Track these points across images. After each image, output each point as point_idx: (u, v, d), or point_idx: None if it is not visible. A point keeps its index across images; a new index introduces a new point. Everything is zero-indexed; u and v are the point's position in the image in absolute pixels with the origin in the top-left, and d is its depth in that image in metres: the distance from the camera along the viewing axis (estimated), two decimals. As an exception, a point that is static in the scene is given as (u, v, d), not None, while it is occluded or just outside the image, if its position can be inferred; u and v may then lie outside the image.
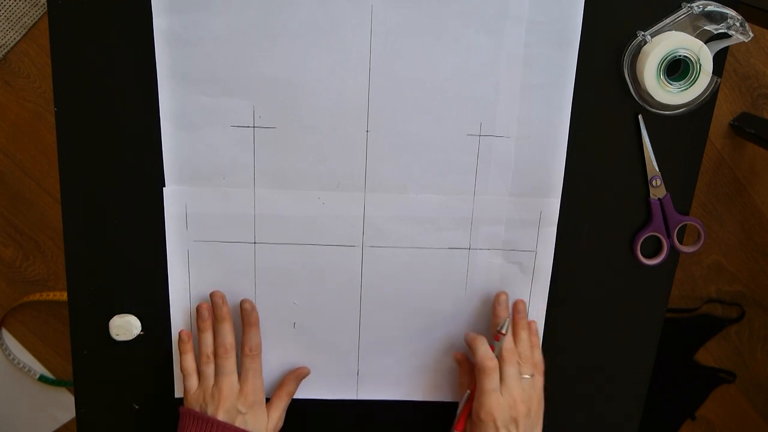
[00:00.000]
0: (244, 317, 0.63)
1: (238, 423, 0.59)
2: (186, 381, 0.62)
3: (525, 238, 0.63)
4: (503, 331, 0.60)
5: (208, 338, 0.62)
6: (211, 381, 0.61)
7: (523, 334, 0.62)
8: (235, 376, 0.61)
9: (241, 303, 0.63)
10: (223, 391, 0.60)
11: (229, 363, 0.61)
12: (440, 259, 0.63)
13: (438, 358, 0.67)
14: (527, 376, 0.60)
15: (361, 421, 0.69)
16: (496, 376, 0.59)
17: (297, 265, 0.63)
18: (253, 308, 0.63)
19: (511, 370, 0.59)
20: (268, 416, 0.62)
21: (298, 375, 0.65)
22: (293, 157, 0.60)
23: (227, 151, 0.60)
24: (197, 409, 0.60)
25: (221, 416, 0.59)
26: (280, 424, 0.63)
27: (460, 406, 0.62)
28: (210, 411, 0.59)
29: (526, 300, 0.65)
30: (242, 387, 0.61)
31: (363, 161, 0.60)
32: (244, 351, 0.62)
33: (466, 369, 0.64)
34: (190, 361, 0.63)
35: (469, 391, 0.61)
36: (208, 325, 0.62)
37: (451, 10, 0.57)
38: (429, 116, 0.59)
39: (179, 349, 0.64)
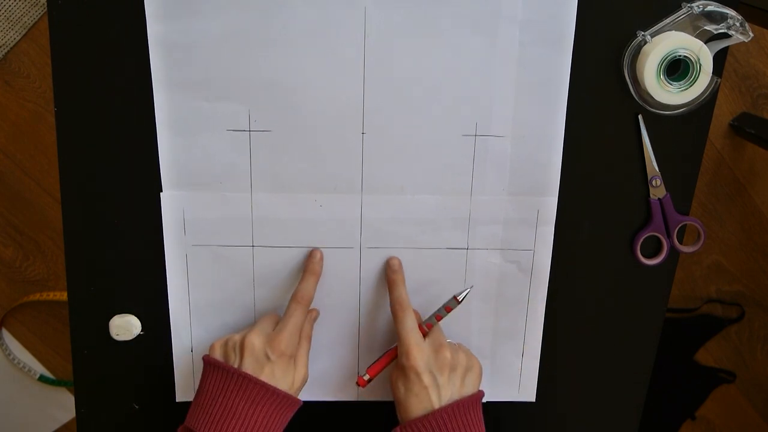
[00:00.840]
0: (307, 264, 0.61)
1: (266, 373, 0.55)
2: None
3: (523, 237, 0.63)
4: (459, 299, 0.60)
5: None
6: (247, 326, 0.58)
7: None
8: (271, 326, 0.58)
9: (311, 251, 0.61)
10: (252, 334, 0.56)
11: (288, 310, 0.58)
12: (438, 259, 0.63)
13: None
14: (450, 341, 0.59)
15: (361, 422, 0.69)
16: (411, 314, 0.58)
17: (296, 268, 0.63)
18: (321, 259, 0.61)
19: (435, 328, 0.59)
20: (295, 370, 0.57)
21: (311, 318, 0.62)
22: (290, 160, 0.60)
23: (223, 156, 0.60)
24: (220, 353, 0.57)
25: (247, 363, 0.55)
26: (306, 376, 0.59)
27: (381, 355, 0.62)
28: (236, 360, 0.56)
29: (525, 299, 0.65)
30: (276, 335, 0.56)
31: (359, 163, 0.60)
32: (293, 296, 0.59)
33: None
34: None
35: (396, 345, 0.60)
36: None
37: (445, 10, 0.57)
38: (424, 117, 0.59)
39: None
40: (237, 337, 0.57)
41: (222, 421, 0.53)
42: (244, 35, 0.57)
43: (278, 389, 0.55)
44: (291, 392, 0.57)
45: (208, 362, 0.57)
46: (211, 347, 0.59)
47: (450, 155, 0.60)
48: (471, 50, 0.58)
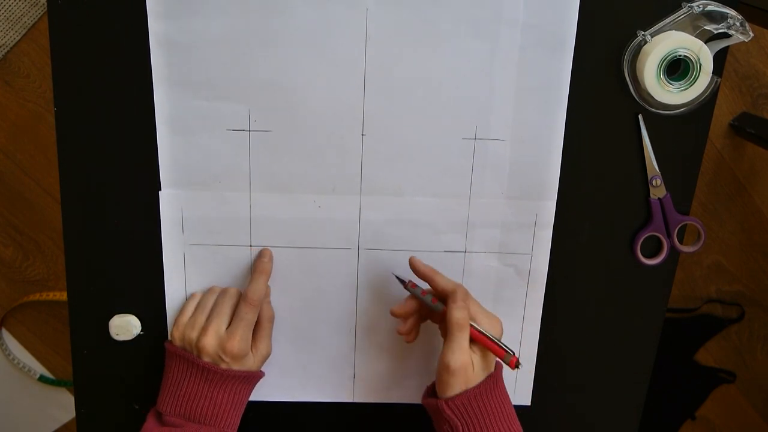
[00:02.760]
0: (256, 264, 0.62)
1: (223, 367, 0.58)
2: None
3: (520, 241, 0.63)
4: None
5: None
6: (202, 318, 0.59)
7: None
8: (225, 325, 0.58)
9: (261, 250, 0.62)
10: (206, 337, 0.57)
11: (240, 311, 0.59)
12: (436, 261, 0.63)
13: (433, 361, 0.66)
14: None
15: (356, 424, 0.69)
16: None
17: (293, 268, 0.63)
18: (270, 258, 0.62)
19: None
20: (255, 351, 0.60)
21: (266, 299, 0.63)
22: (289, 161, 0.60)
23: (223, 155, 0.60)
24: (180, 344, 0.60)
25: (204, 359, 0.58)
26: (269, 351, 0.62)
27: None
28: (194, 353, 0.58)
29: (522, 302, 0.65)
30: (229, 339, 0.57)
31: (359, 164, 0.60)
32: (243, 296, 0.60)
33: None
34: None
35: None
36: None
37: (446, 13, 0.57)
38: (424, 120, 0.59)
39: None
40: (193, 336, 0.59)
41: (189, 402, 0.57)
42: (245, 35, 0.57)
43: (239, 371, 0.58)
44: (252, 370, 0.60)
45: (171, 351, 0.60)
46: (171, 333, 0.61)
47: (449, 158, 0.60)
48: (472, 53, 0.58)
